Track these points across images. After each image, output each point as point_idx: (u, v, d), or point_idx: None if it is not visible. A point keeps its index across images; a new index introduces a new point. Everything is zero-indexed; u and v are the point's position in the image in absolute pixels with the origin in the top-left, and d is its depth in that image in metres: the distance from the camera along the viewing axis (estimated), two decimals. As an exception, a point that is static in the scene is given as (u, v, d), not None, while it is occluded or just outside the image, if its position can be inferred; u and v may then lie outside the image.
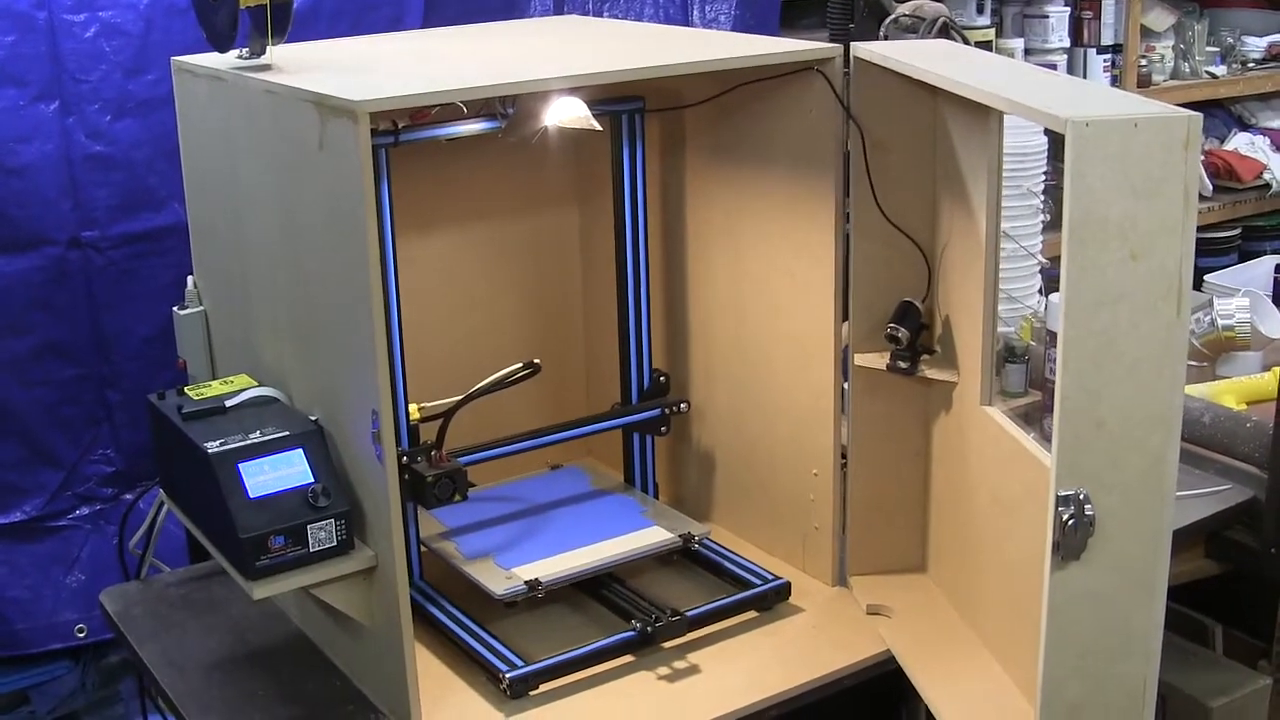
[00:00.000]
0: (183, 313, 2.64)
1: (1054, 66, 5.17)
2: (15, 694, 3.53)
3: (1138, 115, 1.73)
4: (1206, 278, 3.83)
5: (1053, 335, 2.90)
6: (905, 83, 2.32)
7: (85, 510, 3.49)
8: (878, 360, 2.48)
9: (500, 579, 2.47)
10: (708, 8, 4.00)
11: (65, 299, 3.33)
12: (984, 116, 2.24)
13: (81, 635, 3.48)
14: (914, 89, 2.35)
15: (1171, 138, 1.73)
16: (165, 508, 2.62)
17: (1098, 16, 5.32)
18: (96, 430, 3.46)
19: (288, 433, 2.22)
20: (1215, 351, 3.34)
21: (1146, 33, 5.51)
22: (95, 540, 3.49)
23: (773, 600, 2.55)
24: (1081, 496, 1.80)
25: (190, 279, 2.67)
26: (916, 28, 2.95)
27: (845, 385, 2.54)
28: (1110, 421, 1.80)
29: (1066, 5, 5.26)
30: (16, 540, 3.43)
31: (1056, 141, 1.75)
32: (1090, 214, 1.73)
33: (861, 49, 2.39)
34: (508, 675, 2.29)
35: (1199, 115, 1.74)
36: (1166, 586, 1.89)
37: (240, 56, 2.35)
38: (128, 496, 3.44)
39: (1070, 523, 1.80)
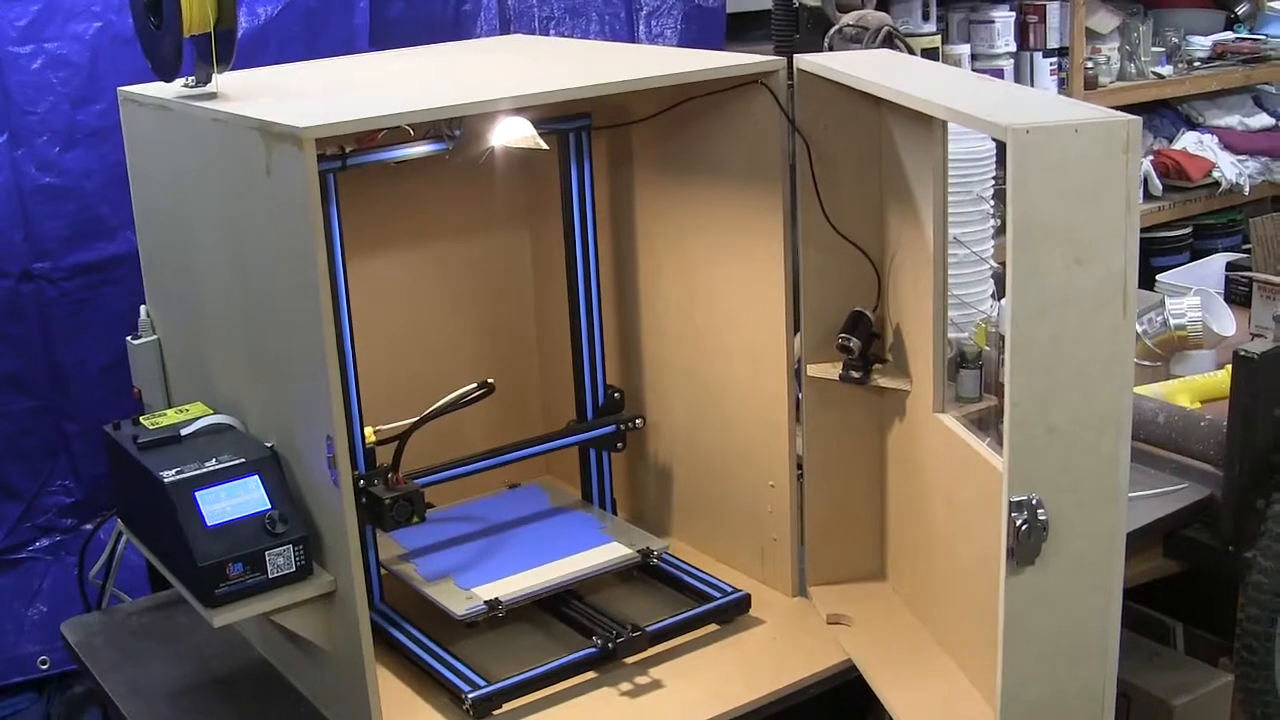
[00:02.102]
0: (136, 342, 2.64)
1: (1001, 71, 5.21)
2: (-20, 729, 3.52)
3: (1077, 121, 1.75)
4: (1159, 277, 3.85)
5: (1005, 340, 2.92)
6: (849, 93, 2.33)
7: (45, 542, 3.48)
8: (830, 371, 2.49)
9: (460, 599, 2.47)
10: (654, 24, 4.01)
11: (19, 331, 3.32)
12: (927, 125, 2.25)
13: (45, 667, 3.46)
14: (858, 99, 2.35)
15: (1112, 142, 1.74)
16: (125, 537, 2.61)
17: (1043, 20, 5.35)
18: (55, 461, 3.45)
19: (243, 460, 2.22)
20: (1168, 351, 3.35)
21: (1092, 35, 5.54)
22: (56, 571, 3.48)
23: (733, 613, 2.56)
24: (1034, 501, 1.81)
25: (143, 308, 2.66)
26: (861, 38, 2.96)
27: (799, 396, 2.55)
28: (1060, 426, 1.81)
29: (1012, 10, 5.28)
30: (-24, 574, 3.42)
31: (1003, 147, 1.76)
32: (1033, 220, 1.74)
33: (804, 61, 2.40)
34: (470, 695, 2.29)
35: (1138, 119, 1.76)
36: (1122, 587, 1.90)
37: (186, 85, 2.35)
38: (87, 527, 3.43)
39: (1024, 527, 1.81)
